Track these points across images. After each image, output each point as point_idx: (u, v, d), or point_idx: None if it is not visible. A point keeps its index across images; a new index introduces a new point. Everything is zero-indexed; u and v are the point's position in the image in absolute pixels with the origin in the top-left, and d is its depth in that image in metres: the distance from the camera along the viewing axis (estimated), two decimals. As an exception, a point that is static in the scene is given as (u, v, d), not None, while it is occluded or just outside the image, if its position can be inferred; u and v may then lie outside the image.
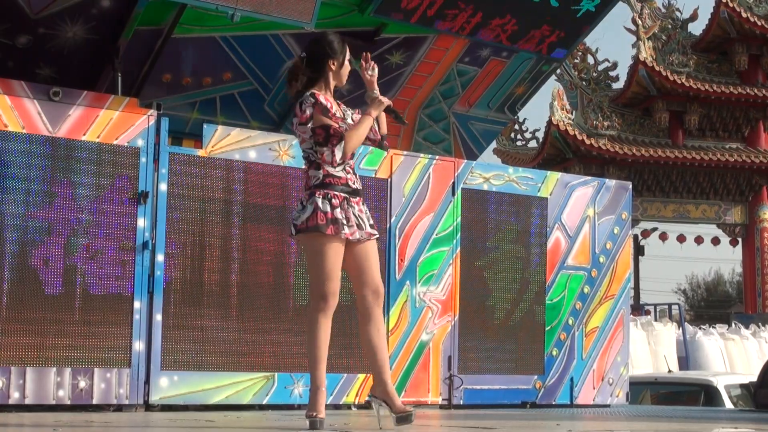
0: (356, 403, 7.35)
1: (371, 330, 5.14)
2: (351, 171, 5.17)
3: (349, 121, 5.20)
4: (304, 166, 5.19)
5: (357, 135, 5.12)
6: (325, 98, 5.16)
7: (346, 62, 5.25)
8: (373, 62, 5.30)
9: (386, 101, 5.25)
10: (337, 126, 5.09)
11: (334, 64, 5.19)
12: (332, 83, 5.23)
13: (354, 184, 5.16)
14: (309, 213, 5.02)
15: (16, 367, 6.27)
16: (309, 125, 5.07)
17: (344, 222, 5.04)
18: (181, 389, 6.80)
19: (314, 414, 4.97)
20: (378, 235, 5.26)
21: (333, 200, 5.05)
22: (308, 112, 5.07)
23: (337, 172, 5.10)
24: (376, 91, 5.26)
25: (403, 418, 5.01)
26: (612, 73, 28.08)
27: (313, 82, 5.19)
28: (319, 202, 5.03)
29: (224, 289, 7.02)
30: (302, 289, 7.26)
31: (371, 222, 5.22)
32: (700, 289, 56.55)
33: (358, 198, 5.17)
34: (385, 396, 5.08)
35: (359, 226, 5.11)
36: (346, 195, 5.10)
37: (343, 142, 5.06)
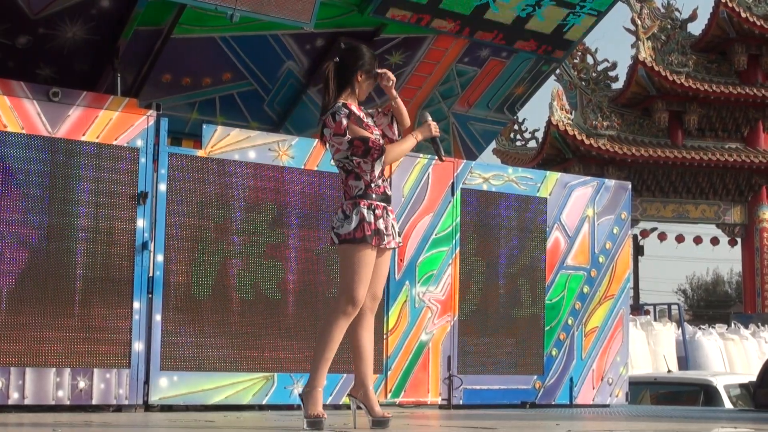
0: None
1: (363, 333, 5.20)
2: (385, 179, 5.24)
3: (370, 122, 5.23)
4: (341, 176, 5.22)
5: (398, 152, 5.25)
6: (357, 108, 5.21)
7: (371, 79, 5.30)
8: (388, 73, 5.32)
9: (436, 132, 5.32)
10: (374, 138, 5.13)
11: (361, 76, 5.24)
12: (358, 94, 5.27)
13: (388, 191, 5.24)
14: (355, 224, 5.07)
15: (15, 367, 6.27)
16: (346, 137, 5.09)
17: (384, 232, 5.13)
18: (180, 389, 6.80)
19: (315, 414, 4.97)
20: (402, 243, 5.35)
21: (376, 210, 5.12)
22: (344, 123, 5.10)
23: (376, 180, 5.16)
24: (429, 116, 5.39)
25: (380, 422, 5.09)
26: (611, 73, 28.10)
27: (340, 90, 5.22)
28: (365, 212, 5.09)
29: (223, 289, 7.02)
30: (302, 288, 7.26)
31: (398, 230, 5.31)
32: (700, 289, 56.58)
33: (390, 206, 5.25)
34: (366, 400, 5.15)
35: (393, 236, 5.21)
36: (384, 204, 5.18)
37: (383, 156, 5.12)
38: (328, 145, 5.24)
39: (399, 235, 5.30)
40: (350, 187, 5.16)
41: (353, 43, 5.43)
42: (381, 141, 5.17)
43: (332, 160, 5.31)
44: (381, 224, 5.12)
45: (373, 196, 5.13)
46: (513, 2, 9.52)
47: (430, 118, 5.37)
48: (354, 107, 5.19)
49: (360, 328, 5.18)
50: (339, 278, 5.26)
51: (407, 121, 5.34)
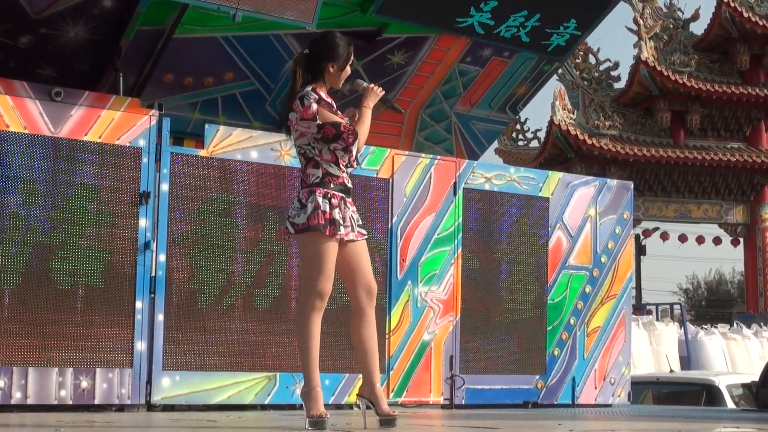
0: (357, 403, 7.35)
1: (365, 331, 5.10)
2: (345, 170, 5.12)
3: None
4: (300, 164, 5.12)
5: (365, 130, 5.10)
6: (326, 95, 5.14)
7: (347, 67, 5.17)
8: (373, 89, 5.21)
9: (380, 91, 5.20)
10: (345, 123, 5.04)
11: (332, 67, 5.11)
12: (327, 84, 5.17)
13: (348, 183, 5.13)
14: (310, 212, 4.96)
15: (18, 367, 6.27)
16: (316, 122, 5.00)
17: (341, 222, 5.01)
18: (183, 389, 6.80)
19: (318, 414, 4.94)
20: (367, 236, 5.23)
21: (332, 200, 5.01)
22: (314, 108, 4.99)
23: (335, 170, 5.05)
24: (362, 82, 5.21)
25: (387, 421, 5.03)
26: (613, 73, 28.09)
27: (312, 80, 5.13)
28: (320, 200, 4.98)
29: (226, 289, 7.02)
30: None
31: (360, 223, 5.19)
32: (702, 288, 56.56)
33: (350, 198, 5.14)
34: (372, 397, 5.08)
35: (352, 227, 5.09)
36: (342, 195, 5.07)
37: (357, 139, 5.02)
38: (292, 130, 5.09)
39: (361, 227, 5.13)
40: (308, 176, 5.04)
41: (327, 32, 5.28)
42: (351, 127, 5.04)
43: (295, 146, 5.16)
44: (337, 214, 4.99)
45: (331, 185, 5.02)
46: (497, 24, 9.57)
47: (364, 83, 5.20)
48: (323, 93, 5.10)
49: (360, 326, 5.09)
50: (300, 272, 5.14)
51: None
